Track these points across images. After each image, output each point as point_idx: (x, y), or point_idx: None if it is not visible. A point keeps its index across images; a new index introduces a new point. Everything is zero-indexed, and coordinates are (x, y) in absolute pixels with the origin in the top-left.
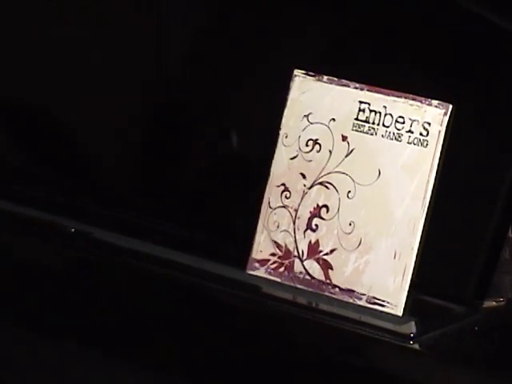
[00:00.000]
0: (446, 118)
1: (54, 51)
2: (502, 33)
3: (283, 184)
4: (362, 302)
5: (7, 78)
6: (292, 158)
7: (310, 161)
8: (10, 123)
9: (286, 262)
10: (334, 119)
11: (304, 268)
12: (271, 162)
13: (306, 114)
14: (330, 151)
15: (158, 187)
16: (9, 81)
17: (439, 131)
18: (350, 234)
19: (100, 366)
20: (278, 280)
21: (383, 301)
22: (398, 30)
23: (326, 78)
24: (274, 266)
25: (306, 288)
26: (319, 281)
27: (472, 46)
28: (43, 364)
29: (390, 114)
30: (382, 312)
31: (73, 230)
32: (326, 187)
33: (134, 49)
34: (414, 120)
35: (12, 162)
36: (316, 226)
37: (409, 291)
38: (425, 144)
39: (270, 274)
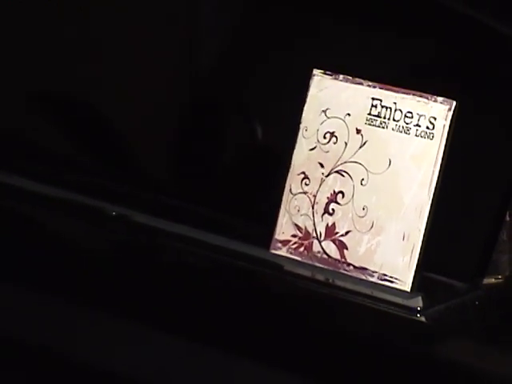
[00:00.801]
0: (450, 113)
1: (91, 48)
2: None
3: (303, 172)
4: (374, 279)
5: (61, 74)
6: (311, 149)
7: (328, 151)
8: (55, 114)
9: (306, 242)
10: (349, 114)
11: (322, 248)
12: (292, 153)
13: (324, 109)
14: (346, 143)
15: (191, 173)
16: (63, 77)
17: (444, 125)
18: (363, 217)
19: (135, 340)
20: (298, 259)
21: (393, 278)
22: (400, 32)
23: (341, 76)
24: (295, 246)
25: (323, 266)
26: (335, 259)
27: (474, 46)
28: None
29: (400, 110)
30: (391, 288)
31: (114, 213)
32: (342, 175)
33: (169, 49)
34: (421, 115)
35: (56, 150)
36: (333, 210)
37: (416, 269)
38: (431, 137)
39: (291, 253)
